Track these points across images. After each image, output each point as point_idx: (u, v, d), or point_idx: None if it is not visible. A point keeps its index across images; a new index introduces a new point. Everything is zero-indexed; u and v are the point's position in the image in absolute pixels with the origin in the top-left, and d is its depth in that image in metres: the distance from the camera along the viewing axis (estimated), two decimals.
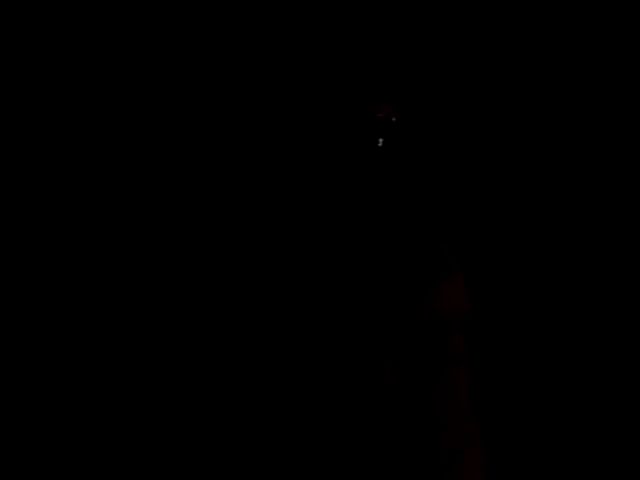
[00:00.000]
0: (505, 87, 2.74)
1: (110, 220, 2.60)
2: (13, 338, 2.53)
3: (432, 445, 2.14)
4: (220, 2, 2.65)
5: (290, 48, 2.62)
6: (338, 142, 2.37)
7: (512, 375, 2.66)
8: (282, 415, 2.32)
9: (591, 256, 2.74)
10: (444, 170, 2.55)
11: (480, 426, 2.21)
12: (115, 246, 2.59)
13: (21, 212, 2.59)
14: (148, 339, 2.54)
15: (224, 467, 2.40)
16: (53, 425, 2.51)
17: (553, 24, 2.74)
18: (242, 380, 2.42)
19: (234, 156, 2.62)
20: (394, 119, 2.29)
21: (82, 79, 2.64)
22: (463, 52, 2.72)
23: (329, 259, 2.30)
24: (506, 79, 2.74)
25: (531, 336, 2.68)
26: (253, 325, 2.43)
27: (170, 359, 2.52)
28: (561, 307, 2.71)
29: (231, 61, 2.64)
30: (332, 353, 2.23)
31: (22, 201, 2.60)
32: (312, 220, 2.40)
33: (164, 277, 2.57)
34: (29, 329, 2.54)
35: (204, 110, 2.65)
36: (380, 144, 2.32)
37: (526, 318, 2.69)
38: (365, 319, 2.20)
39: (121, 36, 2.64)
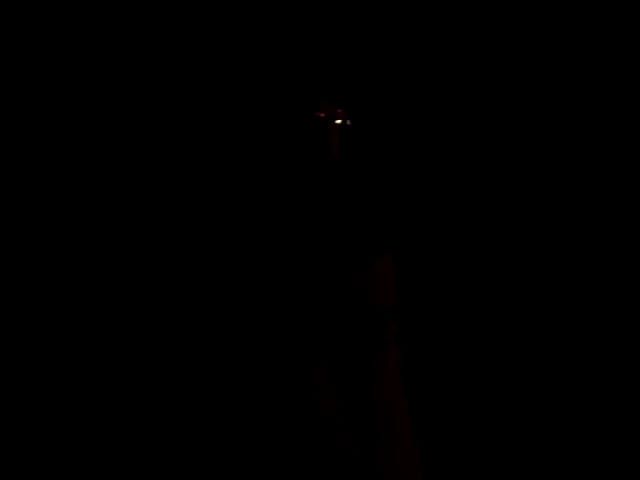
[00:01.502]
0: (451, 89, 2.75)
1: (109, 220, 2.64)
2: (13, 338, 2.56)
3: (366, 430, 2.16)
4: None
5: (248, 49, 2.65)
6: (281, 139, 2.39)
7: (443, 356, 2.70)
8: (221, 409, 2.35)
9: (521, 237, 2.74)
10: (376, 162, 2.56)
11: (413, 408, 2.23)
12: (114, 246, 2.63)
13: (21, 212, 2.60)
14: (137, 341, 2.58)
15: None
16: (53, 425, 2.52)
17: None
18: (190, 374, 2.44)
19: (193, 156, 2.64)
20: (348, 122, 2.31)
21: (82, 79, 2.68)
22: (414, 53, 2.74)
23: (263, 249, 2.33)
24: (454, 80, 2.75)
25: (461, 319, 2.72)
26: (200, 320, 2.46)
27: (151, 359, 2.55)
28: (489, 289, 2.73)
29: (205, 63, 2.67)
30: (264, 343, 2.25)
31: (22, 201, 2.62)
32: (249, 208, 2.43)
33: (150, 279, 2.61)
34: (29, 329, 2.56)
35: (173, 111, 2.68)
36: (348, 123, 2.34)
37: (455, 302, 2.72)
38: (298, 308, 2.22)
39: (121, 36, 2.68)
